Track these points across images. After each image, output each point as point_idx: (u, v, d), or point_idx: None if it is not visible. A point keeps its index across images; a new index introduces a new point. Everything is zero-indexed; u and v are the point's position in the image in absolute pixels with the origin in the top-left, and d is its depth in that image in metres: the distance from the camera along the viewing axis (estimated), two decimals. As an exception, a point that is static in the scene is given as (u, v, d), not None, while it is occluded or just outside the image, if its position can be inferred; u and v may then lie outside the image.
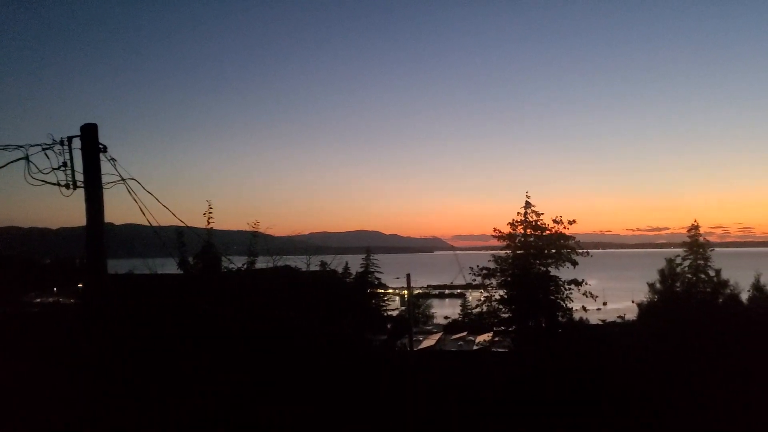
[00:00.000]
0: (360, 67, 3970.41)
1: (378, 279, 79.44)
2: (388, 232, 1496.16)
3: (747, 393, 17.78)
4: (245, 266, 16.39)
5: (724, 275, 27.09)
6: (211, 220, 16.17)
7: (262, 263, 17.09)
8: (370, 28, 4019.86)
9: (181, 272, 15.81)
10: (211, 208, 16.20)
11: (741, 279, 25.26)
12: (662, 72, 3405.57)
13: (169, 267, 16.47)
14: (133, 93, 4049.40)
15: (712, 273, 29.32)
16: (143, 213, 9.42)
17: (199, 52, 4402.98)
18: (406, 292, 43.00)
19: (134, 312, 13.25)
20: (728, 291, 24.69)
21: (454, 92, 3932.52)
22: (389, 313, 67.40)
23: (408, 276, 40.16)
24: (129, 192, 9.12)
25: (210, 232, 16.06)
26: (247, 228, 17.02)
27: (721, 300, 24.46)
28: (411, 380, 19.70)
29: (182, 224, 12.56)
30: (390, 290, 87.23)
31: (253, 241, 16.78)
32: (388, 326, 47.42)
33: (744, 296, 24.51)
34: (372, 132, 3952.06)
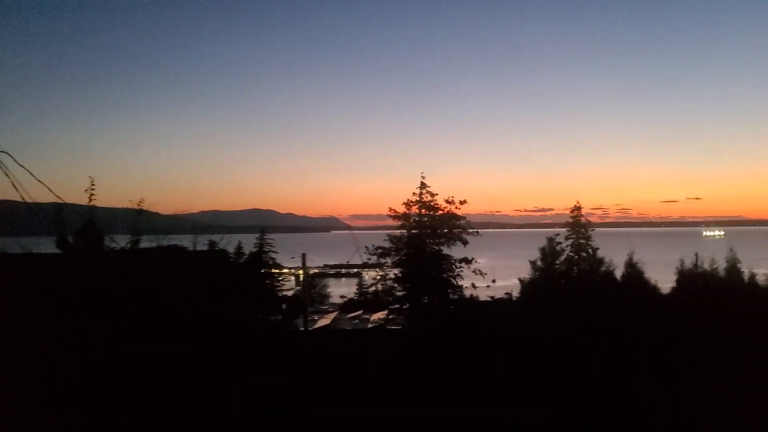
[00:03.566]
0: (254, 41, 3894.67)
1: (273, 259, 78.79)
2: (283, 211, 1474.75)
3: (619, 360, 19.14)
4: (129, 245, 15.87)
5: (603, 254, 28.67)
6: (93, 197, 15.43)
7: (147, 242, 16.58)
8: (263, 4, 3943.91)
9: (60, 252, 15.14)
10: (93, 184, 15.43)
11: (616, 257, 26.81)
12: (547, 56, 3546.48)
13: (47, 246, 15.74)
14: (4, 61, 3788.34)
15: (591, 252, 31.04)
16: (16, 188, 8.95)
17: (78, 21, 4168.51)
18: (301, 272, 42.97)
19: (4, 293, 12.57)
20: (604, 268, 26.15)
21: (350, 72, 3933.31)
22: (285, 293, 67.08)
23: (303, 256, 40.23)
24: (-1, 166, 8.61)
25: (92, 210, 15.38)
26: (132, 205, 16.40)
27: (597, 277, 25.88)
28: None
29: (60, 201, 12.02)
30: (285, 270, 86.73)
31: (137, 219, 16.21)
32: (283, 306, 47.22)
33: (618, 273, 26.03)
34: (266, 109, 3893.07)
